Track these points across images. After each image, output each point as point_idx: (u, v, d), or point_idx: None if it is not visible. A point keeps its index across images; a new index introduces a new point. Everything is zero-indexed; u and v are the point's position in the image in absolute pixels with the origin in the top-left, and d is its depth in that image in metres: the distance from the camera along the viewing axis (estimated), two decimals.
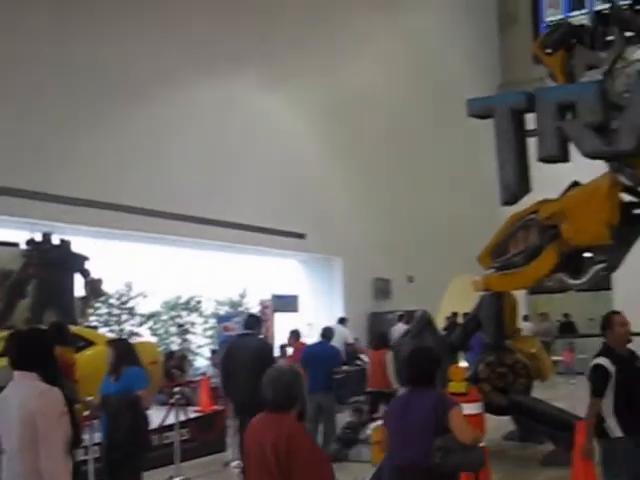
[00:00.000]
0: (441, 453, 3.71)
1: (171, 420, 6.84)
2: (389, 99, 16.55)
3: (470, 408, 5.89)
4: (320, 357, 7.43)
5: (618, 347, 3.95)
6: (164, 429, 6.96)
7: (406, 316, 12.20)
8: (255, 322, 6.53)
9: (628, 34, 5.46)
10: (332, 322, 11.70)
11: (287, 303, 12.38)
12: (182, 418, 7.01)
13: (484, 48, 21.81)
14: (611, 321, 3.96)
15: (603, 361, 3.91)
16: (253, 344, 6.15)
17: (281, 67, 13.27)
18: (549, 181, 6.43)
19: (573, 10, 22.71)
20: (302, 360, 7.80)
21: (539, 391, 7.44)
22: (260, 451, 3.26)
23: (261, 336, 6.79)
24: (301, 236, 13.33)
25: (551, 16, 22.98)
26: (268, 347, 6.46)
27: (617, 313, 4.09)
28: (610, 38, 5.48)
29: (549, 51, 5.49)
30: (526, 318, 16.80)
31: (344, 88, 15.13)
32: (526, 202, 5.70)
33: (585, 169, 5.49)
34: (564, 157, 4.69)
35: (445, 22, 19.93)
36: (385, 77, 16.63)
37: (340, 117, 14.92)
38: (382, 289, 16.01)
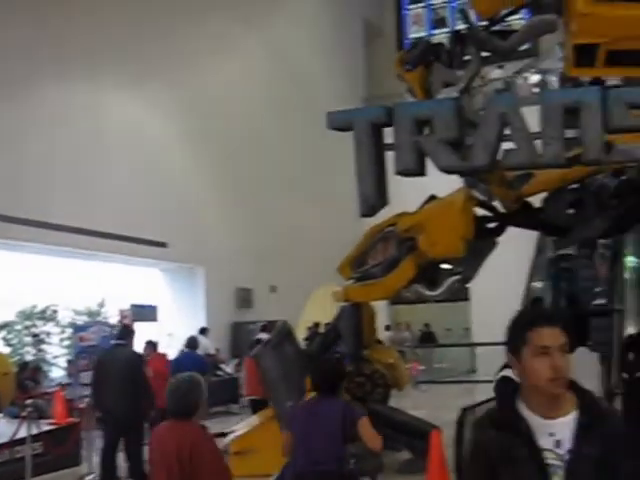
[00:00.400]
0: (355, 459, 3.83)
1: (23, 433, 6.66)
2: (254, 109, 16.58)
3: None
4: (188, 367, 7.39)
5: None
6: (15, 443, 6.76)
7: (269, 326, 12.26)
8: (127, 333, 6.51)
9: (484, 54, 5.63)
10: (193, 332, 11.63)
11: (146, 313, 12.23)
12: (35, 431, 6.82)
13: (350, 61, 22.11)
14: None
15: (509, 372, 4.01)
16: (124, 355, 6.15)
17: (142, 73, 13.11)
18: (409, 194, 6.58)
19: (436, 28, 23.34)
20: (171, 369, 7.76)
21: (396, 400, 7.58)
22: (164, 459, 3.29)
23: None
24: (163, 245, 13.18)
25: (415, 33, 23.53)
26: (138, 358, 6.44)
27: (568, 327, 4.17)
28: (467, 57, 5.63)
29: (408, 67, 5.61)
30: (388, 328, 17.12)
31: (208, 97, 15.08)
32: (386, 214, 5.81)
33: (444, 183, 5.64)
34: (420, 171, 4.79)
35: (311, 35, 20.10)
36: (249, 87, 16.66)
37: (205, 127, 14.86)
38: (244, 299, 16.00)
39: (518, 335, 2.26)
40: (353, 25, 22.49)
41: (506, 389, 2.40)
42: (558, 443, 2.13)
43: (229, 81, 15.90)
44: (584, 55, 5.11)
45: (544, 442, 2.15)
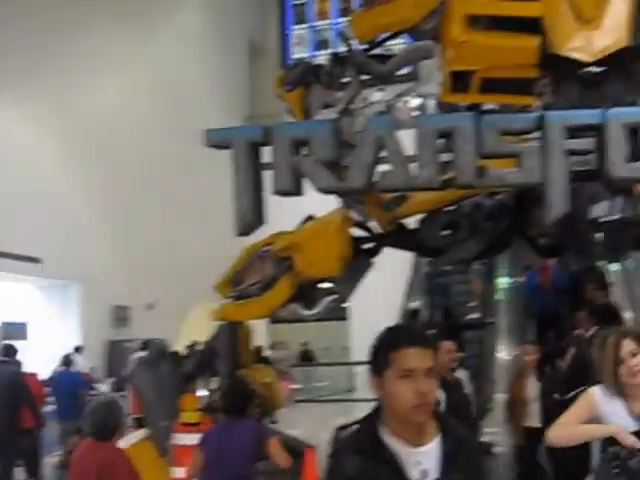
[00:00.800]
0: (265, 477, 3.90)
1: None
2: (133, 125, 16.38)
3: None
4: (64, 386, 7.27)
5: (444, 374, 4.09)
6: None
7: (148, 345, 12.10)
8: (12, 351, 6.40)
9: (365, 77, 5.70)
10: (68, 350, 11.38)
11: (16, 330, 11.90)
12: None
13: (234, 79, 22.09)
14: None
15: None
16: (7, 373, 6.04)
17: (15, 88, 12.80)
18: (286, 214, 6.58)
19: (319, 49, 23.57)
20: (51, 387, 7.61)
21: (273, 419, 7.56)
22: (84, 479, 3.28)
23: None
24: (36, 260, 12.83)
25: (298, 53, 23.70)
26: (22, 377, 6.32)
27: (445, 340, 4.22)
28: (347, 80, 5.69)
29: (288, 88, 5.63)
30: (272, 347, 17.11)
31: (84, 111, 14.81)
32: (263, 234, 5.80)
33: (321, 203, 5.67)
34: (298, 191, 4.81)
35: (196, 52, 20.01)
36: (130, 102, 16.45)
37: (81, 142, 14.60)
38: (121, 316, 15.72)
39: (382, 355, 2.13)
40: (238, 43, 22.50)
41: (369, 414, 2.28)
42: (425, 473, 2.06)
43: (108, 95, 15.66)
44: (459, 81, 5.24)
45: (412, 472, 2.07)
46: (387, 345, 2.14)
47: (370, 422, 2.21)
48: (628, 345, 3.61)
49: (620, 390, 3.57)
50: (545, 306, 11.71)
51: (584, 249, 5.38)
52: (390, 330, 2.24)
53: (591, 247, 5.44)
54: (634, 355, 3.59)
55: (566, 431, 3.59)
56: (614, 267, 13.71)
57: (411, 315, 13.59)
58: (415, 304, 14.76)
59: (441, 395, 4.21)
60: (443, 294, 14.28)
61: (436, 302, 14.27)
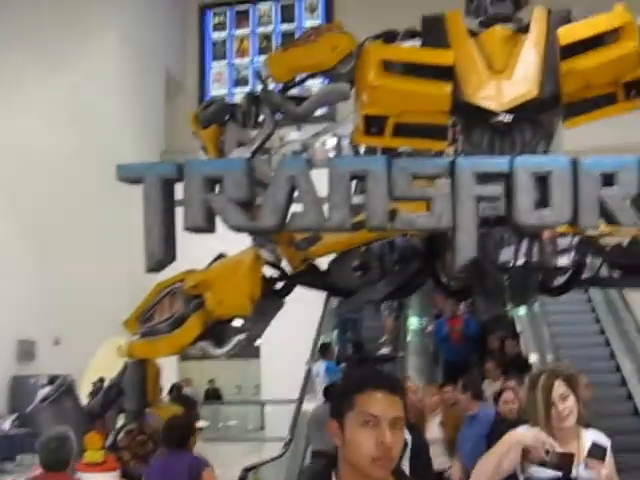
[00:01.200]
0: None
1: None
2: (49, 158, 16.14)
3: (106, 477, 5.77)
4: None
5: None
6: None
7: (54, 381, 11.84)
8: None
9: (280, 117, 5.72)
10: None
11: None
12: None
13: (151, 114, 21.96)
14: None
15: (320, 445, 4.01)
16: None
17: None
18: (197, 251, 6.53)
19: (237, 87, 23.65)
20: None
21: None
22: None
23: None
24: None
25: (216, 90, 23.73)
26: None
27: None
28: (262, 118, 5.71)
29: (203, 125, 5.63)
30: (179, 384, 16.87)
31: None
32: (173, 270, 5.74)
33: (233, 242, 5.65)
34: (210, 228, 4.78)
35: (114, 84, 19.83)
36: (45, 134, 16.21)
37: None
38: (26, 351, 15.34)
39: (345, 396, 1.95)
40: (156, 78, 22.41)
41: (320, 467, 2.07)
42: None
43: (21, 125, 15.40)
44: (373, 125, 5.32)
45: None
46: (352, 385, 1.96)
47: (322, 473, 2.03)
48: (559, 387, 3.63)
49: (550, 433, 3.58)
50: (454, 354, 11.91)
51: (492, 293, 5.47)
52: (358, 370, 2.07)
53: (499, 291, 5.53)
54: (564, 399, 3.62)
55: (482, 463, 3.55)
56: (521, 311, 14.02)
57: (322, 349, 13.64)
58: (327, 338, 14.89)
59: (407, 437, 4.19)
60: (354, 329, 14.49)
61: (347, 336, 14.47)
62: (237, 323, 6.08)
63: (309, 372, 13.76)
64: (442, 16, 5.54)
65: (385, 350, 14.70)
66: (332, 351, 14.01)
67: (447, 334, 12.76)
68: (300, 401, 13.58)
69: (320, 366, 13.32)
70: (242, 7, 25.39)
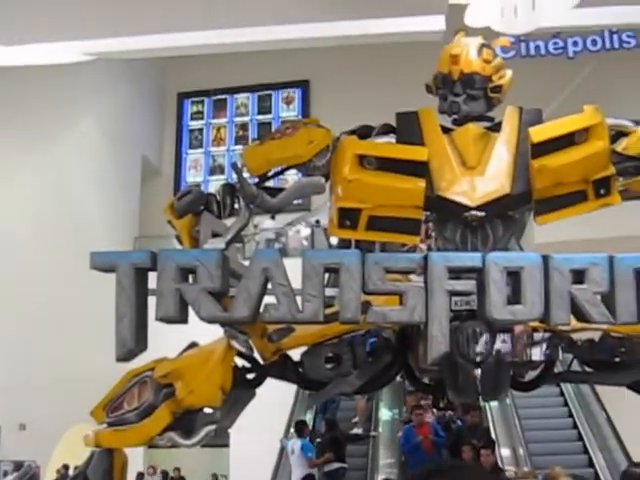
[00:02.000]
0: None
1: None
2: (23, 242, 16.10)
3: None
4: None
5: None
6: None
7: (19, 467, 11.64)
8: None
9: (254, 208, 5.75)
10: None
11: None
12: None
13: (126, 199, 22.06)
14: None
15: None
16: None
17: None
18: (169, 340, 6.48)
19: (213, 174, 23.87)
20: None
21: None
22: None
23: None
24: None
25: (192, 177, 23.92)
26: None
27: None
28: (237, 208, 5.74)
29: (178, 214, 5.64)
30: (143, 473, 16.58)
31: None
32: (145, 359, 5.69)
33: (206, 331, 5.62)
34: (182, 319, 4.77)
35: (89, 168, 19.95)
36: (18, 219, 16.21)
37: None
38: None
39: None
40: (132, 163, 22.57)
41: None
42: None
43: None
44: (347, 218, 5.37)
45: None
46: None
47: None
48: None
49: None
50: (423, 462, 11.81)
51: (464, 387, 5.46)
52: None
53: (471, 385, 5.53)
54: None
55: None
56: (493, 404, 13.98)
57: (298, 426, 13.98)
58: (303, 417, 14.94)
59: None
60: (331, 409, 14.61)
61: (323, 416, 14.60)
62: (207, 413, 6.00)
63: (283, 450, 14.17)
64: (416, 113, 5.66)
65: (358, 430, 14.83)
66: (307, 429, 14.16)
67: (418, 443, 12.70)
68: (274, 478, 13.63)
69: (295, 443, 13.56)
70: (220, 97, 25.77)
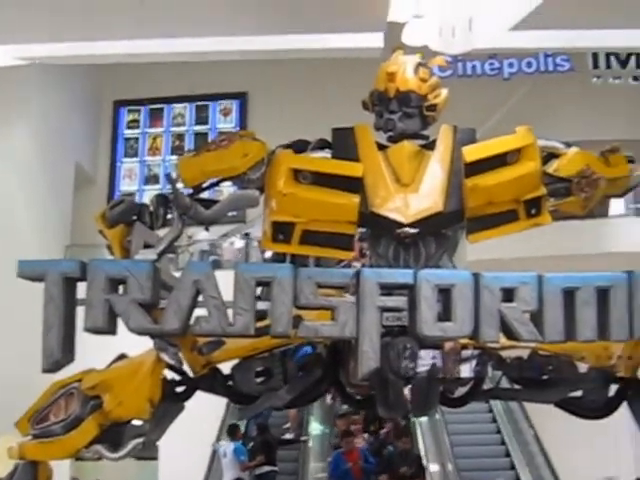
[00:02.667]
0: None
1: None
2: None
3: None
4: None
5: None
6: None
7: None
8: None
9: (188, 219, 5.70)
10: None
11: None
12: None
13: (58, 207, 21.67)
14: None
15: None
16: None
17: None
18: (98, 351, 6.39)
19: (147, 184, 23.63)
20: None
21: None
22: None
23: None
24: None
25: (126, 186, 23.66)
26: None
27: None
28: (170, 219, 5.70)
29: (110, 224, 5.58)
30: None
31: None
32: (73, 370, 5.59)
33: (135, 343, 5.55)
34: (111, 330, 4.72)
35: (21, 177, 19.59)
36: None
37: None
38: None
39: None
40: (65, 170, 22.20)
41: None
42: None
43: None
44: (281, 232, 5.37)
45: None
46: None
47: None
48: None
49: None
50: None
51: (394, 403, 5.48)
52: None
53: (401, 401, 5.55)
54: None
55: None
56: (423, 419, 14.07)
57: (230, 430, 14.32)
58: (235, 421, 14.98)
59: None
60: (261, 414, 14.68)
61: (255, 420, 14.68)
62: (135, 426, 5.92)
63: (215, 453, 14.48)
64: (352, 129, 5.69)
65: (289, 435, 15.05)
66: (240, 432, 14.36)
67: (347, 470, 12.76)
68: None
69: (228, 447, 13.90)
70: (157, 106, 25.57)
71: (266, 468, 13.73)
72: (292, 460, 15.01)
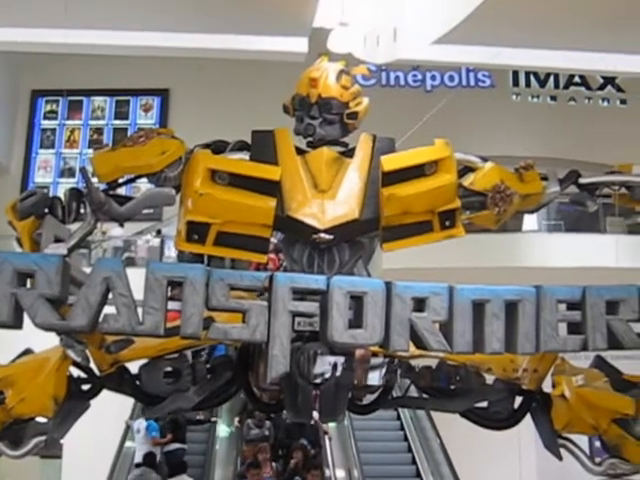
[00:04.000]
0: None
1: None
2: None
3: None
4: None
5: None
6: None
7: None
8: None
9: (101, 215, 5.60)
10: None
11: None
12: None
13: None
14: None
15: None
16: None
17: None
18: (5, 347, 6.25)
19: (63, 176, 23.21)
20: None
21: None
22: None
23: None
24: None
25: (41, 177, 23.20)
26: None
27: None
28: (83, 214, 5.59)
29: (20, 216, 5.46)
30: None
31: None
32: None
33: (41, 339, 5.43)
34: (17, 324, 4.61)
35: None
36: None
37: None
38: None
39: None
40: None
41: None
42: None
43: None
44: (196, 232, 5.32)
45: None
46: None
47: None
48: None
49: None
50: None
51: (302, 408, 5.48)
52: None
53: (309, 406, 5.55)
54: None
55: None
56: (331, 424, 14.13)
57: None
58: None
59: None
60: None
61: None
62: (38, 423, 5.81)
63: (128, 429, 15.07)
64: (272, 132, 5.68)
65: (200, 416, 15.41)
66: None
67: None
68: (116, 459, 14.57)
69: (141, 423, 14.43)
70: (76, 97, 25.15)
71: (174, 445, 14.59)
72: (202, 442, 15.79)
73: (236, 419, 15.55)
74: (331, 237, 5.42)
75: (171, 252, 18.55)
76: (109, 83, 24.45)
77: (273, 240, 5.97)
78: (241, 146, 5.75)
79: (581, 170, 6.23)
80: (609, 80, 25.87)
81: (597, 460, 5.88)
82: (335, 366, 5.21)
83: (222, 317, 4.87)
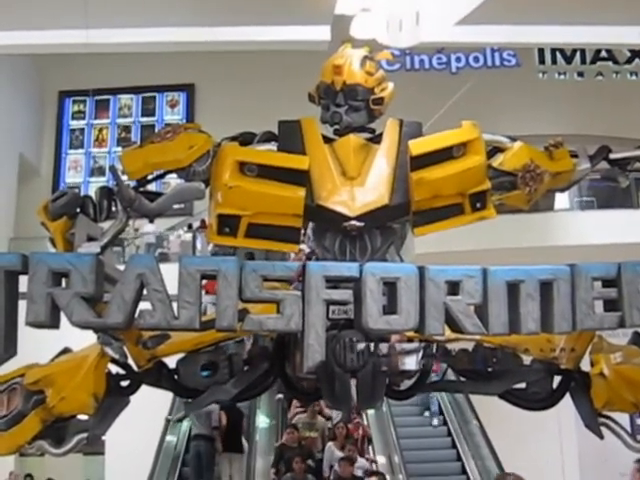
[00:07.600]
0: None
1: None
2: None
3: None
4: None
5: None
6: None
7: None
8: None
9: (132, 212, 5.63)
10: None
11: None
12: None
13: (1, 199, 21.36)
14: None
15: None
16: None
17: None
18: (42, 346, 6.31)
19: (93, 176, 23.39)
20: None
21: None
22: None
23: None
24: None
25: (71, 178, 23.38)
26: None
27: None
28: (115, 212, 5.63)
29: (52, 216, 5.50)
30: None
31: None
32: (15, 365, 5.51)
33: (79, 337, 5.48)
34: (54, 324, 4.65)
35: None
36: None
37: None
38: None
39: None
40: (8, 161, 21.87)
41: None
42: None
43: None
44: (227, 225, 5.33)
45: None
46: None
47: None
48: None
49: None
50: None
51: (340, 395, 5.49)
52: None
53: (347, 394, 5.56)
54: None
55: None
56: (370, 412, 14.13)
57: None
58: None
59: None
60: None
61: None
62: (79, 421, 5.87)
63: (168, 424, 15.33)
64: (298, 122, 5.67)
65: None
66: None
67: None
68: (158, 453, 14.64)
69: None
70: (102, 97, 25.30)
71: None
72: None
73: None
74: (362, 224, 5.41)
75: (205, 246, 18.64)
76: (134, 80, 24.56)
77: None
78: (268, 137, 5.75)
79: (611, 145, 6.16)
80: (637, 53, 25.57)
81: (639, 437, 5.83)
82: (372, 353, 5.22)
83: (257, 308, 4.88)
